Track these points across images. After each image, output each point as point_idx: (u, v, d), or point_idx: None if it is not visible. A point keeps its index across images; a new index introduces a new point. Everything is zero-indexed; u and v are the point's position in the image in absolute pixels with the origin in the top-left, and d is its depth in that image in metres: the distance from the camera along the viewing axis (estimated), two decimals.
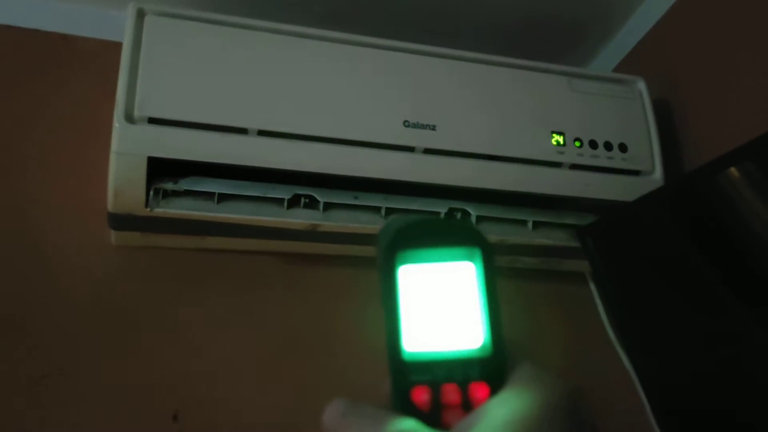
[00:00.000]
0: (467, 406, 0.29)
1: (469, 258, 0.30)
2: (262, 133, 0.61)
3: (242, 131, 0.60)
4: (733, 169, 0.54)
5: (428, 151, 0.65)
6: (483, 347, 0.29)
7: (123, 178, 0.58)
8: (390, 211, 0.66)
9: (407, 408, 0.29)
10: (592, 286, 0.81)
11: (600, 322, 0.80)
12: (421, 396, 0.29)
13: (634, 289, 0.65)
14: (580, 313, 0.81)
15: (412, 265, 0.30)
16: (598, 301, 0.81)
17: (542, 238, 0.70)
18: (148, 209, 0.60)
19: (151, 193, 0.60)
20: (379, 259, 0.30)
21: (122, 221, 0.62)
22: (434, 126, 0.65)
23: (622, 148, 0.71)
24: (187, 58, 0.60)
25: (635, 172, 0.71)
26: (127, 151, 0.58)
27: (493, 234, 0.69)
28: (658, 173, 0.72)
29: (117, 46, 0.59)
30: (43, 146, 0.68)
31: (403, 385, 0.29)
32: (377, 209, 0.66)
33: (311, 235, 0.66)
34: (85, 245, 0.65)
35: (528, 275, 0.79)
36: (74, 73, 0.71)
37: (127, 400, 0.62)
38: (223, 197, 0.62)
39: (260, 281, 0.70)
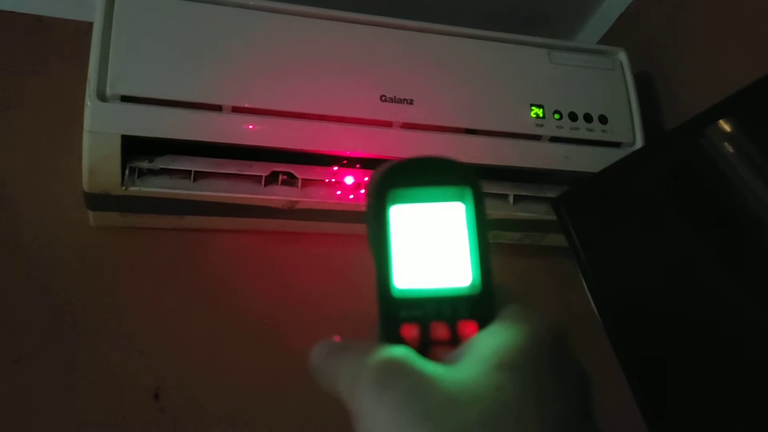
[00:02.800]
0: (456, 342, 0.29)
1: (460, 198, 0.30)
2: (236, 109, 0.60)
3: (216, 108, 0.60)
4: (711, 127, 0.53)
5: (406, 126, 0.65)
6: (472, 285, 0.29)
7: (97, 156, 0.58)
8: None
9: (396, 344, 0.29)
10: (576, 262, 0.81)
11: (584, 296, 0.80)
12: (410, 332, 0.29)
13: (612, 260, 0.65)
14: (565, 289, 0.81)
15: (403, 205, 0.30)
16: (581, 275, 0.81)
17: (523, 212, 0.70)
18: (124, 188, 0.59)
19: (127, 171, 0.59)
20: (369, 200, 0.30)
21: (99, 201, 0.62)
22: (411, 100, 0.65)
23: (603, 119, 0.70)
24: (159, 34, 0.59)
25: (616, 144, 0.71)
26: (100, 129, 0.57)
27: None
28: (639, 145, 0.71)
29: (92, 27, 0.58)
30: (19, 128, 0.67)
31: (392, 322, 0.29)
32: (357, 185, 0.66)
33: (290, 212, 0.66)
34: (63, 226, 0.65)
35: (512, 251, 0.79)
36: (50, 54, 0.71)
37: (107, 381, 0.62)
38: (199, 175, 0.62)
39: (241, 260, 0.70)
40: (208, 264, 0.69)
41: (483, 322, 0.29)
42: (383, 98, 0.64)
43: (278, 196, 0.63)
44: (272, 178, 0.64)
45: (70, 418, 0.60)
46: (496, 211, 0.69)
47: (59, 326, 0.62)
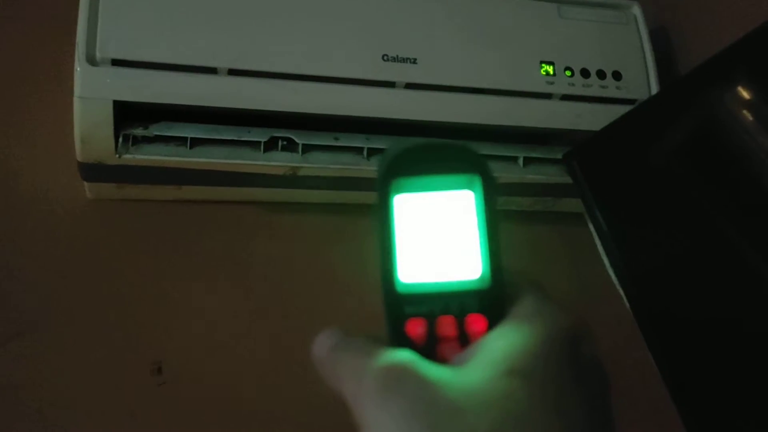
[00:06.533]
0: (464, 339, 0.27)
1: (468, 186, 0.28)
2: (232, 72, 0.58)
3: (211, 71, 0.57)
4: (725, 74, 0.50)
5: (410, 86, 0.62)
6: (481, 278, 0.28)
7: (89, 123, 0.56)
8: (372, 151, 0.63)
9: (401, 341, 0.27)
10: (591, 227, 0.78)
11: (600, 263, 0.78)
12: (416, 328, 0.28)
13: (631, 218, 0.62)
14: (579, 256, 0.78)
15: (408, 194, 0.28)
16: (598, 241, 0.78)
17: (534, 175, 0.67)
18: (118, 156, 0.57)
19: (120, 139, 0.57)
20: (376, 188, 0.29)
21: (93, 171, 0.60)
22: (415, 59, 0.62)
23: (616, 76, 0.67)
24: None
25: (630, 101, 0.68)
26: (91, 95, 0.55)
27: None
28: None
29: None
30: (7, 99, 0.65)
31: (397, 317, 0.28)
32: (359, 150, 0.63)
33: (291, 180, 0.63)
34: (58, 199, 0.63)
35: (522, 218, 0.77)
36: (36, 19, 0.68)
37: (107, 356, 0.60)
38: (196, 142, 0.59)
39: (242, 232, 0.68)
40: (208, 236, 0.67)
41: (493, 317, 0.28)
42: (385, 57, 0.61)
43: (278, 162, 0.61)
44: (272, 144, 0.61)
45: (70, 394, 0.58)
46: (505, 174, 0.67)
47: (57, 301, 0.61)
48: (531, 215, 0.75)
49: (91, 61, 0.55)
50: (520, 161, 0.67)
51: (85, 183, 0.62)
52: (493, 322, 0.27)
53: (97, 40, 0.55)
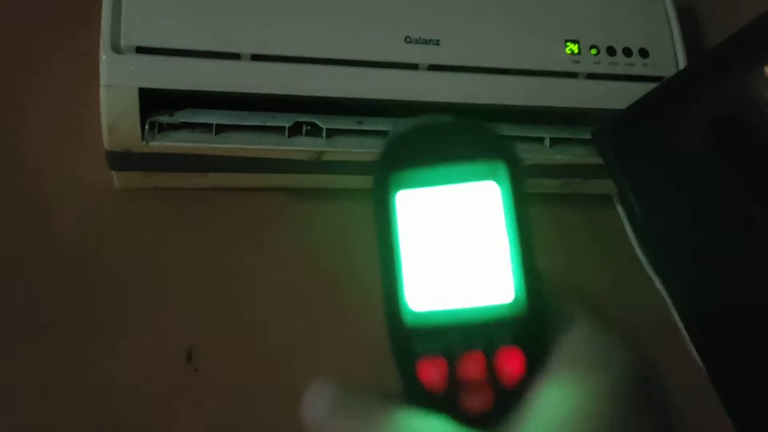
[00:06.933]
0: (495, 382, 0.21)
1: (491, 176, 0.22)
2: (255, 57, 0.58)
3: (234, 56, 0.58)
4: (754, 48, 0.49)
5: (433, 68, 0.62)
6: (515, 302, 0.22)
7: (115, 112, 0.56)
8: None
9: (414, 389, 0.22)
10: (620, 209, 0.77)
11: (629, 245, 0.76)
12: (430, 373, 0.21)
13: (658, 197, 0.61)
14: (608, 238, 0.77)
15: (413, 191, 0.22)
16: (626, 223, 0.77)
17: (561, 155, 0.66)
18: (145, 143, 0.58)
19: (147, 126, 0.58)
20: (373, 185, 0.23)
21: (121, 160, 0.60)
22: (438, 41, 0.62)
23: (643, 53, 0.66)
24: None
25: (658, 79, 0.66)
26: (117, 83, 0.56)
27: None
28: None
29: None
30: (33, 90, 0.66)
31: (406, 358, 0.22)
32: (383, 133, 0.63)
33: (316, 165, 0.63)
34: (87, 190, 0.64)
35: (551, 201, 0.76)
36: (60, 8, 0.69)
37: (138, 344, 0.60)
38: (221, 128, 0.60)
39: (268, 219, 0.68)
40: (235, 223, 0.67)
41: (532, 351, 0.21)
42: (408, 39, 0.61)
43: (303, 146, 0.61)
44: (296, 129, 0.61)
45: (102, 382, 0.59)
46: (532, 155, 0.66)
47: (87, 291, 0.61)
48: (558, 198, 0.74)
49: (116, 49, 0.55)
50: (547, 142, 0.66)
51: (113, 172, 0.63)
52: (532, 358, 0.21)
53: (122, 28, 0.55)
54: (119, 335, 0.61)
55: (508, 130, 0.65)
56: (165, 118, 0.58)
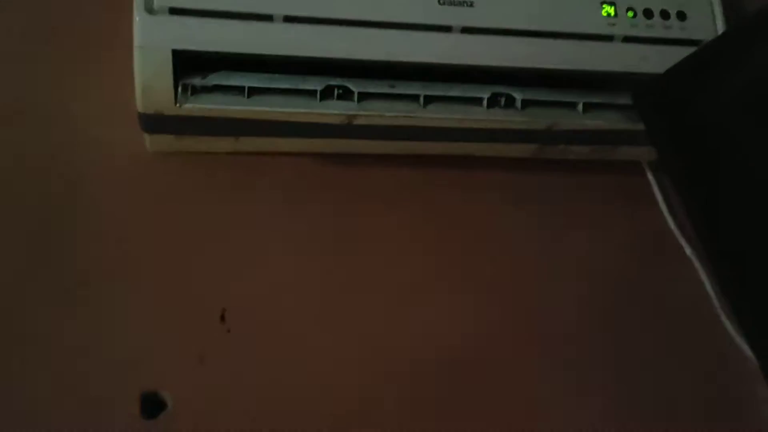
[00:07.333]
0: None
1: None
2: (288, 19, 0.57)
3: (267, 18, 0.57)
4: None
5: (466, 30, 0.61)
6: None
7: (149, 73, 0.56)
8: (428, 99, 0.63)
9: None
10: (650, 176, 0.76)
11: (659, 213, 0.76)
12: None
13: (699, 161, 0.60)
14: (637, 206, 0.77)
15: None
16: (656, 190, 0.76)
17: (594, 120, 0.66)
18: (178, 105, 0.58)
19: (179, 88, 0.58)
20: None
21: (153, 122, 0.60)
22: (471, 2, 0.61)
23: (681, 16, 0.65)
24: None
25: (696, 42, 0.65)
26: (150, 45, 0.55)
27: (542, 119, 0.65)
28: None
29: None
30: (66, 52, 0.66)
31: None
32: (415, 97, 0.62)
33: (347, 129, 0.63)
34: (120, 152, 0.65)
35: (580, 168, 0.75)
36: None
37: (171, 304, 0.62)
38: (253, 91, 0.59)
39: (300, 183, 0.68)
40: (268, 187, 0.67)
41: None
42: (441, 1, 0.60)
43: (335, 110, 0.61)
44: (328, 93, 0.61)
45: (135, 343, 0.60)
46: (564, 120, 0.65)
47: (121, 251, 0.62)
48: (589, 164, 0.74)
49: (149, 10, 0.55)
50: (580, 107, 0.65)
51: (146, 135, 0.63)
52: None
53: None
54: (152, 297, 0.62)
55: (541, 94, 0.65)
56: (198, 81, 0.58)
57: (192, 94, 0.58)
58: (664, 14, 0.64)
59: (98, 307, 0.60)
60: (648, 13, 0.64)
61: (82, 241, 0.62)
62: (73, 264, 0.61)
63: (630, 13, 0.64)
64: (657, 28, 0.64)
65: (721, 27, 0.66)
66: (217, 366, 0.60)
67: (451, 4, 0.60)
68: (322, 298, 0.65)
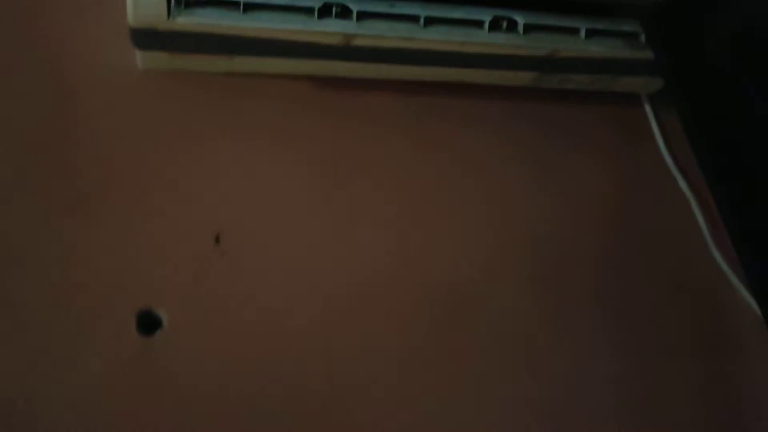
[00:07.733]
0: None
1: None
2: None
3: None
4: None
5: None
6: None
7: None
8: (429, 20, 0.61)
9: None
10: (648, 108, 0.76)
11: (655, 145, 0.76)
12: None
13: (704, 90, 0.58)
14: (634, 137, 0.76)
15: None
16: (653, 123, 0.76)
17: (597, 47, 0.65)
18: (171, 19, 0.56)
19: (172, 2, 0.56)
20: None
21: (145, 38, 0.58)
22: None
23: None
24: None
25: None
26: None
27: (544, 45, 0.64)
28: None
29: None
30: None
31: None
32: (415, 18, 0.61)
33: (345, 52, 0.62)
34: (110, 69, 0.63)
35: (580, 99, 0.74)
36: None
37: (166, 227, 0.61)
38: (248, 7, 0.58)
39: (295, 106, 0.67)
40: (263, 110, 0.66)
41: None
42: None
43: (333, 28, 0.59)
44: (326, 11, 0.59)
45: (129, 264, 0.59)
46: (566, 46, 0.64)
47: (114, 171, 0.61)
48: (588, 95, 0.73)
49: None
50: (582, 33, 0.64)
51: (137, 52, 0.61)
52: None
53: None
54: (146, 219, 0.61)
55: (544, 19, 0.63)
56: None
57: (185, 8, 0.56)
58: None
59: (90, 229, 0.59)
60: None
61: (74, 159, 0.60)
62: (59, 184, 0.60)
63: None
64: None
65: None
66: (211, 287, 0.61)
67: None
68: (317, 223, 0.65)
